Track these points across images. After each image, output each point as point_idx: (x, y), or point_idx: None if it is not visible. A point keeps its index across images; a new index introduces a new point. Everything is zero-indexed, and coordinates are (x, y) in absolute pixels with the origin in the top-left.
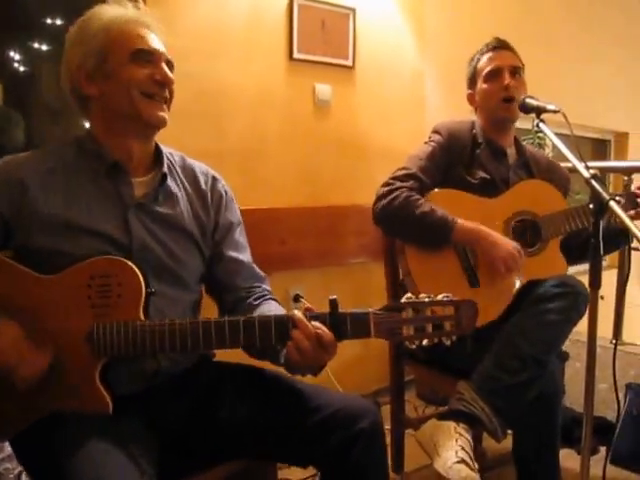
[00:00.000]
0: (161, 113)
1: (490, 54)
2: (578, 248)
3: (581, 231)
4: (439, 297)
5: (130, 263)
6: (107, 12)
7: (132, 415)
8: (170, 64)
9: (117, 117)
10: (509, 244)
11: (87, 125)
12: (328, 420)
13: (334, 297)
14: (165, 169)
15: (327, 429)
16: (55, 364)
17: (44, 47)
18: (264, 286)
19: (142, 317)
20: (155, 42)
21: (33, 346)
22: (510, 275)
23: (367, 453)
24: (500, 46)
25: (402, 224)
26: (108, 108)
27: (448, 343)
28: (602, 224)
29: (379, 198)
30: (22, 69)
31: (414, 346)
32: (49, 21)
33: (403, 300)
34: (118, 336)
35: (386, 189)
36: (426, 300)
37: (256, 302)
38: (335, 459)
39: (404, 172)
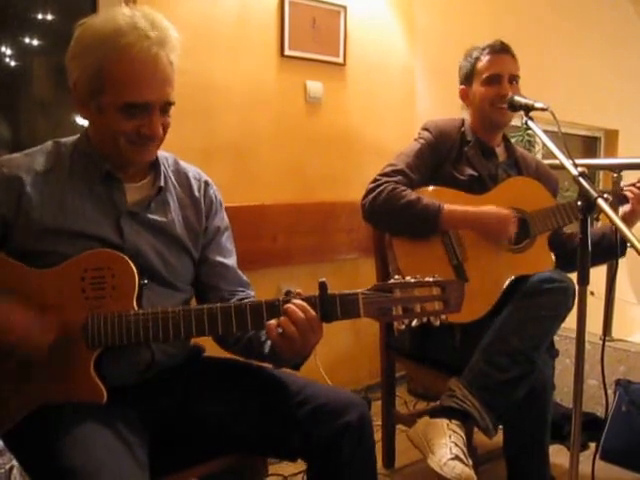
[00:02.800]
0: (148, 155)
1: (492, 57)
2: (571, 255)
3: (572, 238)
4: (427, 278)
5: (123, 255)
6: (104, 32)
7: (125, 407)
8: (169, 106)
9: (104, 145)
10: (497, 210)
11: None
12: (316, 412)
13: (323, 280)
14: (162, 182)
15: (315, 421)
16: (50, 356)
17: (35, 42)
18: (248, 291)
19: (135, 307)
20: (153, 84)
21: (39, 324)
22: (510, 236)
23: (355, 447)
24: (503, 50)
25: (390, 216)
26: (98, 136)
27: (437, 324)
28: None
29: (366, 194)
30: (12, 64)
31: (403, 326)
32: (40, 16)
33: (391, 281)
34: (112, 327)
35: (373, 185)
36: (412, 281)
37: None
38: (323, 451)
39: (391, 168)
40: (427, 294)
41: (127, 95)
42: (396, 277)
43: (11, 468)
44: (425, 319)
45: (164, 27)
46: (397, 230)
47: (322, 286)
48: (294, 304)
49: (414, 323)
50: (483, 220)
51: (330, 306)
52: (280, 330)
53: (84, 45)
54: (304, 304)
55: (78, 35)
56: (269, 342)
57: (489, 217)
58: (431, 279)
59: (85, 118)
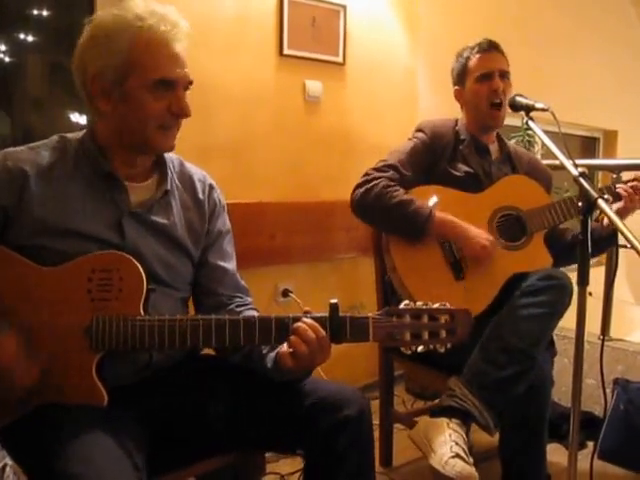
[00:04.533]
0: (172, 142)
1: (482, 55)
2: (564, 249)
3: (565, 232)
4: (436, 305)
5: (132, 259)
6: (126, 18)
7: (123, 407)
8: (190, 85)
9: (126, 136)
10: (481, 236)
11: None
12: (315, 406)
13: (335, 301)
14: (169, 185)
15: (314, 414)
16: (52, 356)
17: (29, 38)
18: (246, 297)
19: (142, 313)
20: (179, 62)
21: (24, 358)
22: (481, 264)
23: (354, 440)
24: (492, 48)
25: (379, 212)
26: (118, 127)
27: (442, 350)
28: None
29: (357, 187)
30: (6, 60)
31: (409, 352)
32: (35, 12)
33: (401, 306)
34: (117, 331)
35: (364, 178)
36: (424, 307)
37: (238, 309)
38: (321, 444)
39: (383, 163)
40: (436, 322)
41: (159, 72)
42: (406, 302)
43: (4, 466)
44: (432, 346)
45: (176, 15)
46: (384, 227)
47: (333, 307)
48: (305, 323)
49: (420, 349)
50: (466, 242)
51: (340, 327)
52: (291, 350)
53: (106, 33)
54: (315, 324)
55: (94, 26)
56: (271, 355)
57: (471, 243)
58: (441, 306)
59: (103, 111)
